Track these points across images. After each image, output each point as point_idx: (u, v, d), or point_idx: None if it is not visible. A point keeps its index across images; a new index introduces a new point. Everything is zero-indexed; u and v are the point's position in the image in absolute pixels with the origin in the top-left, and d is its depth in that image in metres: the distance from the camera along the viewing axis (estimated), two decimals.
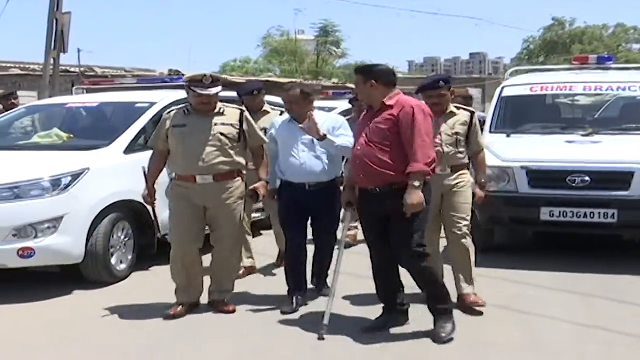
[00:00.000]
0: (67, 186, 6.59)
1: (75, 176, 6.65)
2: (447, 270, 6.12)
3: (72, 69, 22.57)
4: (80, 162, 6.72)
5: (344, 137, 5.94)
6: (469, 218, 6.06)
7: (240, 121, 6.02)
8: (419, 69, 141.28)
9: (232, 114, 6.04)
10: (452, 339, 5.10)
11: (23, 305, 6.19)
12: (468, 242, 6.03)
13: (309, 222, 6.31)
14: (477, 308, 5.86)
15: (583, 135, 8.17)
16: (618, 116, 9.17)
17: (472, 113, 6.28)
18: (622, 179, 7.42)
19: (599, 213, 7.38)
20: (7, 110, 10.54)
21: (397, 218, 5.11)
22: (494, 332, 5.38)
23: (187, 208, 5.93)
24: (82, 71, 23.20)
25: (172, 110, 6.04)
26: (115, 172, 7.15)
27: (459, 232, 5.98)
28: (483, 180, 6.29)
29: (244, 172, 6.12)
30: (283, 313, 5.97)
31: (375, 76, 5.31)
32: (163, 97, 8.24)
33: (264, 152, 6.19)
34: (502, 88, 9.39)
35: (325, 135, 5.75)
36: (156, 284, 6.75)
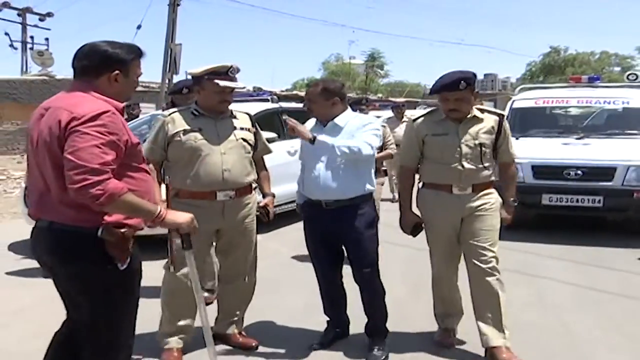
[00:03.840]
0: None
1: None
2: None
3: None
4: None
5: (357, 138, 3.75)
6: (495, 248, 3.86)
7: (253, 126, 4.06)
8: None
9: (243, 117, 4.00)
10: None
11: None
12: (495, 279, 3.82)
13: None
14: None
15: (576, 139, 8.09)
16: (603, 124, 9.04)
17: (501, 117, 3.95)
18: (607, 172, 7.33)
19: (588, 199, 7.31)
20: (128, 117, 10.79)
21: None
22: (506, 291, 5.29)
23: (198, 237, 3.20)
24: None
25: (173, 112, 3.88)
26: None
27: (483, 266, 3.79)
28: (512, 199, 4.05)
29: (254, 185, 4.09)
30: (311, 348, 4.02)
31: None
32: (253, 108, 8.31)
33: (264, 163, 4.27)
34: (513, 101, 9.35)
35: (314, 137, 3.68)
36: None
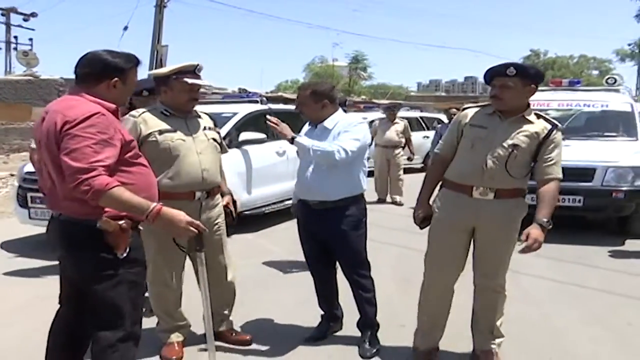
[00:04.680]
0: None
1: None
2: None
3: None
4: None
5: (336, 142, 3.72)
6: (506, 265, 3.67)
7: (216, 126, 4.05)
8: (425, 89, 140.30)
9: (206, 117, 3.97)
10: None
11: None
12: (499, 295, 3.72)
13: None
14: None
15: None
16: (583, 126, 9.22)
17: (554, 126, 3.48)
18: (586, 173, 7.49)
19: (569, 199, 7.44)
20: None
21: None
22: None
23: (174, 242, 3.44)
24: None
25: (143, 112, 3.71)
26: None
27: (490, 283, 3.67)
28: (545, 220, 3.39)
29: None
30: (305, 341, 4.14)
31: None
32: (242, 108, 8.43)
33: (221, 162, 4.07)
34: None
35: (293, 137, 3.76)
36: None
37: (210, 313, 3.27)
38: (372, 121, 12.19)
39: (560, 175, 3.53)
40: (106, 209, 2.61)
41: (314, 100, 3.88)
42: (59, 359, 2.99)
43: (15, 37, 31.21)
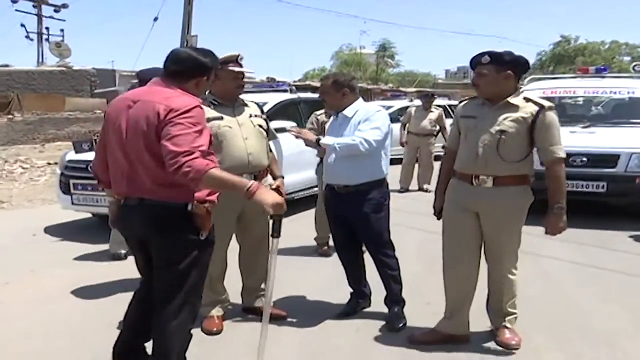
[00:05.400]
0: None
1: None
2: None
3: None
4: None
5: (359, 132, 4.00)
6: (512, 251, 3.83)
7: (263, 113, 4.36)
8: (453, 76, 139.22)
9: (253, 106, 4.30)
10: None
11: None
12: (507, 278, 3.85)
13: None
14: (508, 348, 3.86)
15: (582, 127, 8.35)
16: (609, 113, 9.37)
17: (542, 108, 3.56)
18: (610, 159, 7.62)
19: (593, 185, 7.60)
20: None
21: None
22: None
23: (227, 220, 4.04)
24: None
25: None
26: None
27: (495, 267, 3.86)
28: (556, 206, 3.67)
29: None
30: (336, 317, 4.45)
31: None
32: (271, 98, 8.73)
33: (270, 148, 4.40)
34: (522, 91, 9.57)
35: (318, 140, 4.08)
36: None
37: (271, 298, 3.38)
38: (407, 107, 12.27)
39: (562, 154, 3.64)
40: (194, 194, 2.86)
41: (335, 89, 4.17)
42: (131, 340, 3.28)
43: (47, 29, 31.91)
